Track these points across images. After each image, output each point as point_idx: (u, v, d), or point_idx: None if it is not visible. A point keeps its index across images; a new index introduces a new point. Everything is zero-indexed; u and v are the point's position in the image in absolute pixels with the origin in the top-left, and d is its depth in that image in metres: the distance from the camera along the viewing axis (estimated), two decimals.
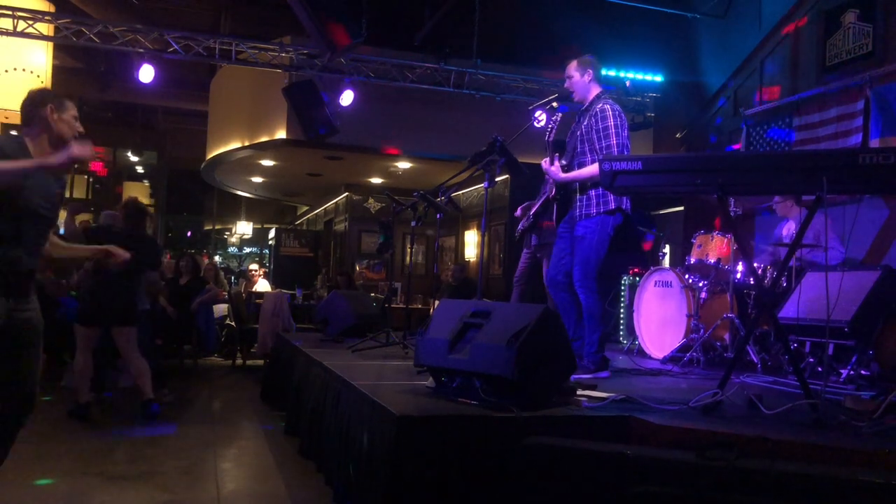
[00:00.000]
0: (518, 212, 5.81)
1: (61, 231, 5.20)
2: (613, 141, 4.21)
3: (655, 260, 7.09)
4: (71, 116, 2.98)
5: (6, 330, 2.78)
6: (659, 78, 9.38)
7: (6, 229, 2.75)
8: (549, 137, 4.49)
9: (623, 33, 9.20)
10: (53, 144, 2.92)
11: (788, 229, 5.71)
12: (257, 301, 9.13)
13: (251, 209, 22.55)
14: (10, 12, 7.58)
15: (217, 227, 24.11)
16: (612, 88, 8.79)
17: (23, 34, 7.70)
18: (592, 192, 4.29)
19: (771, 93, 7.96)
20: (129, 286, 5.34)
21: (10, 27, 7.60)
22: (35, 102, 2.92)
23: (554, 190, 4.59)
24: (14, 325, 2.81)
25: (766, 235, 7.04)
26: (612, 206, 4.22)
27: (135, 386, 5.49)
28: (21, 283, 2.84)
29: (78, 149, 2.77)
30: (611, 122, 4.23)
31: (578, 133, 4.41)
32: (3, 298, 2.75)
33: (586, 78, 4.43)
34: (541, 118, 4.51)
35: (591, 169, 4.24)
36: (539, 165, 4.59)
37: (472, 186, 12.10)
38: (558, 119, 4.48)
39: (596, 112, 4.31)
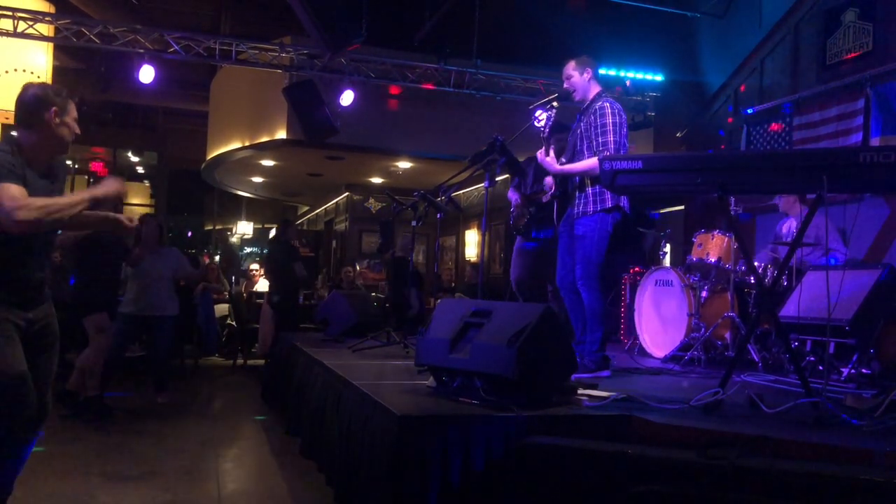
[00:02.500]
0: (512, 194, 5.57)
1: None
2: (610, 138, 4.20)
3: (656, 259, 7.09)
4: (72, 119, 2.86)
5: (24, 340, 2.77)
6: (659, 77, 9.38)
7: (17, 246, 2.69)
8: (544, 133, 4.49)
9: (623, 33, 9.20)
10: (51, 147, 2.82)
11: (789, 227, 5.71)
12: (258, 301, 9.13)
13: (252, 209, 22.54)
14: (10, 13, 7.58)
15: (218, 227, 24.09)
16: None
17: (23, 35, 7.70)
18: (590, 190, 4.29)
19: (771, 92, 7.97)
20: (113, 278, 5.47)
21: (11, 28, 7.60)
22: (38, 104, 2.76)
23: (554, 187, 4.59)
24: (32, 336, 2.81)
25: (766, 235, 7.04)
26: (610, 203, 4.23)
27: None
28: (35, 295, 2.82)
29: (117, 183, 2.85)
30: (609, 120, 4.23)
31: (578, 132, 4.41)
32: (20, 311, 2.74)
33: (586, 77, 4.42)
34: (541, 117, 4.50)
35: (587, 163, 4.24)
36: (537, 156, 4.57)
37: (472, 186, 12.10)
38: (553, 115, 4.47)
39: (595, 109, 4.31)
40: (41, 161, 2.79)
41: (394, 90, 9.30)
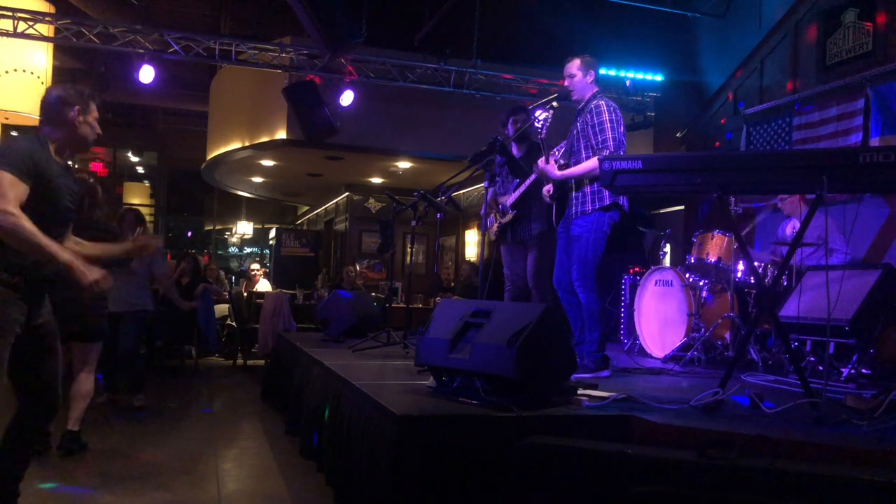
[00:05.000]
0: (483, 209, 5.62)
1: None
2: (609, 135, 4.20)
3: (656, 259, 7.09)
4: (94, 119, 2.95)
5: (27, 336, 2.75)
6: (659, 78, 9.38)
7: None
8: (541, 136, 4.49)
9: (623, 33, 9.20)
10: (74, 145, 2.92)
11: (793, 227, 5.70)
12: (258, 301, 9.13)
13: (251, 209, 22.53)
14: (10, 13, 7.58)
15: (217, 227, 24.09)
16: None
17: (23, 35, 7.69)
18: (588, 189, 4.29)
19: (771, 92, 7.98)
20: (102, 297, 4.44)
21: (11, 28, 7.60)
22: (61, 104, 2.87)
23: (553, 189, 4.59)
24: (35, 331, 2.80)
25: (766, 234, 7.05)
26: (608, 201, 4.22)
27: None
28: (42, 289, 2.81)
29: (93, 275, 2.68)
30: (605, 118, 4.23)
31: (575, 132, 4.41)
32: (24, 304, 2.71)
33: (588, 78, 4.42)
34: (540, 117, 4.51)
35: (587, 165, 4.24)
36: (538, 164, 4.59)
37: (472, 186, 12.10)
38: (549, 117, 4.48)
39: (591, 108, 4.31)
40: (64, 157, 2.89)
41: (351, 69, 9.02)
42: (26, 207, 2.61)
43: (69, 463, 4.09)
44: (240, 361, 9.12)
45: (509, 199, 5.28)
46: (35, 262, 2.71)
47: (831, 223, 5.14)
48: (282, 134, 9.72)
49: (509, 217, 5.27)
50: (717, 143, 8.43)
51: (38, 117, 2.96)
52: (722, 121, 8.39)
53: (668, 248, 7.01)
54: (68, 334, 4.23)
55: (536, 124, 4.53)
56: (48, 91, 2.95)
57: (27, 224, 2.55)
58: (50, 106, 2.89)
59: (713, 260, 5.53)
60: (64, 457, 4.16)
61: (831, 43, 7.14)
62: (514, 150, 5.33)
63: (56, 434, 4.17)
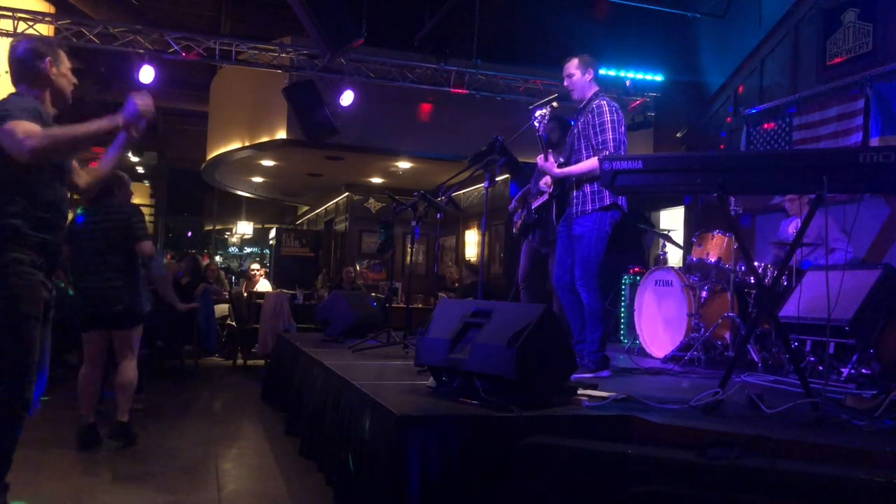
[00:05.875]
0: (513, 204, 5.74)
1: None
2: (609, 136, 4.20)
3: (656, 259, 7.09)
4: (67, 69, 2.81)
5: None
6: (659, 78, 9.38)
7: (49, 214, 2.69)
8: (540, 133, 4.50)
9: (623, 33, 9.20)
10: (54, 100, 2.76)
11: (795, 227, 5.70)
12: (258, 301, 9.13)
13: (251, 209, 22.55)
14: (10, 13, 7.59)
15: (217, 227, 24.10)
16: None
17: (23, 35, 7.70)
18: (588, 189, 4.28)
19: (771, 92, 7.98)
20: (128, 280, 4.42)
21: (11, 28, 7.60)
22: (33, 55, 2.68)
23: (553, 186, 4.59)
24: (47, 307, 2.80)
25: (766, 235, 7.04)
26: (608, 201, 4.22)
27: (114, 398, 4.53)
28: (54, 263, 2.79)
29: (140, 99, 2.61)
30: (607, 118, 4.23)
31: (575, 131, 4.41)
32: (48, 280, 2.71)
33: (587, 77, 4.42)
34: (539, 117, 4.52)
35: (587, 164, 4.24)
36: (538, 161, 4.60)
37: (472, 186, 12.10)
38: (547, 115, 4.49)
39: (592, 108, 4.31)
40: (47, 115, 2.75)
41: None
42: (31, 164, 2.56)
43: (69, 463, 4.09)
44: (240, 361, 9.11)
45: (535, 202, 5.34)
46: (56, 242, 2.69)
47: (832, 223, 5.14)
48: (282, 134, 9.73)
49: (531, 219, 5.36)
50: (722, 147, 8.42)
51: (10, 78, 2.74)
52: (728, 119, 8.39)
53: (668, 248, 7.01)
54: (105, 321, 4.36)
55: (535, 123, 4.54)
56: (13, 47, 2.72)
57: (53, 131, 2.48)
58: (19, 61, 2.69)
59: (713, 260, 5.53)
60: (119, 448, 4.34)
61: (831, 43, 7.14)
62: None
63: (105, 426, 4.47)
